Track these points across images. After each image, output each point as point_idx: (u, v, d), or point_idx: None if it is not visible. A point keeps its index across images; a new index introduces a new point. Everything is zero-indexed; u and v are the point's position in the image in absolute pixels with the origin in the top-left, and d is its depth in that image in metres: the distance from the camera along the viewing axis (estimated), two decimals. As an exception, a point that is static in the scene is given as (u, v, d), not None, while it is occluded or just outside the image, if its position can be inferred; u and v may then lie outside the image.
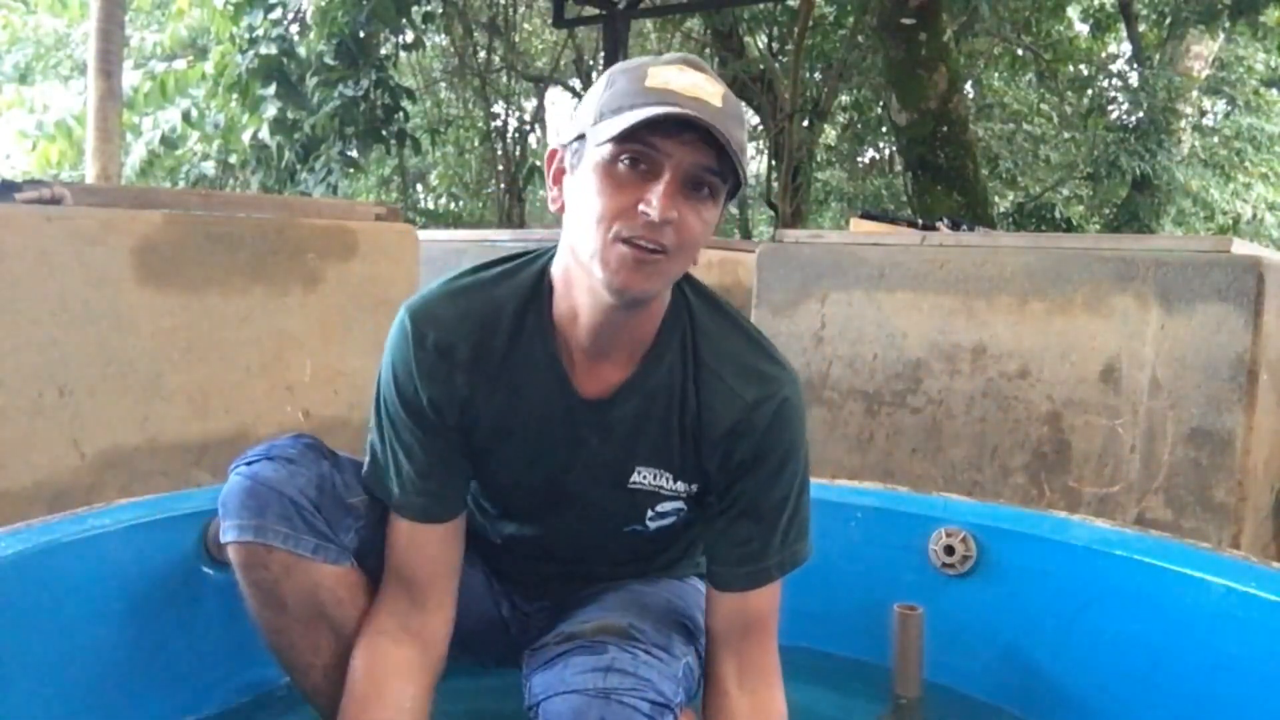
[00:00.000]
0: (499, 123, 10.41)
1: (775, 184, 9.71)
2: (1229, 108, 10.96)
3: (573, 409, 1.19)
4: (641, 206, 1.03)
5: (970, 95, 9.84)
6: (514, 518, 1.32)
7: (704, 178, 1.05)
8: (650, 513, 1.25)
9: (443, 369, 1.17)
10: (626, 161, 1.04)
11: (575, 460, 1.22)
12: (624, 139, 1.02)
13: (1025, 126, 10.29)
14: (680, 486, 1.23)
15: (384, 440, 1.23)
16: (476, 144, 11.00)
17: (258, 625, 1.25)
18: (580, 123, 1.09)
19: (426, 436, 1.19)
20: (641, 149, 1.03)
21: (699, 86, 1.04)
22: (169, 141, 6.48)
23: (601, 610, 1.26)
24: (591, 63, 11.09)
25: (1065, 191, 10.43)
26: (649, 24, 10.40)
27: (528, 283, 1.19)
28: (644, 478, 1.22)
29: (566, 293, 1.15)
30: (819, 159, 10.67)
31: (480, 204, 11.33)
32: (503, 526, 1.34)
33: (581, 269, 1.10)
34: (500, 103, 10.46)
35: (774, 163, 10.10)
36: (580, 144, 1.09)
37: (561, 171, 1.13)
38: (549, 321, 1.18)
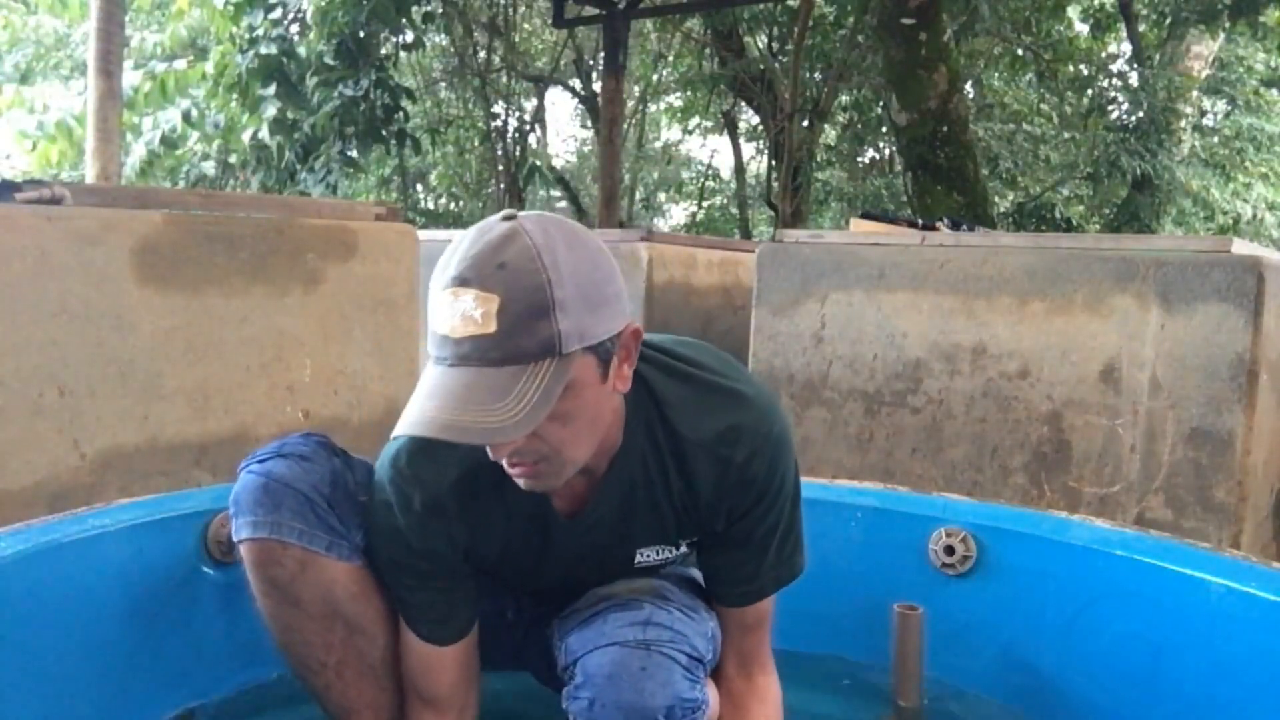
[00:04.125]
0: (499, 123, 10.40)
1: (775, 184, 9.71)
2: (1229, 108, 10.95)
3: (558, 528, 1.21)
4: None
5: (970, 95, 9.84)
6: (528, 594, 1.35)
7: None
8: (662, 569, 1.30)
9: (436, 526, 1.17)
10: None
11: (579, 561, 1.24)
12: None
13: (1025, 126, 10.27)
14: (684, 548, 1.27)
15: (383, 572, 1.24)
16: (476, 144, 10.99)
17: (269, 624, 1.25)
18: None
19: (425, 580, 1.21)
20: None
21: (468, 319, 0.97)
22: (169, 141, 6.48)
23: (627, 580, 1.28)
24: (591, 63, 11.09)
25: (1065, 191, 10.43)
26: (649, 24, 10.40)
27: None
28: (647, 556, 1.26)
29: None
30: (819, 159, 10.66)
31: (480, 204, 11.32)
32: (517, 594, 1.37)
33: None
34: (500, 103, 10.45)
35: (774, 163, 10.10)
36: None
37: None
38: None
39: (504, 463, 1.06)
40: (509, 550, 1.22)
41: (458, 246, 1.00)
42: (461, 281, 0.97)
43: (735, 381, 1.19)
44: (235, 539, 1.23)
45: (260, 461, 1.23)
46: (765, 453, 1.17)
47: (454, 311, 0.97)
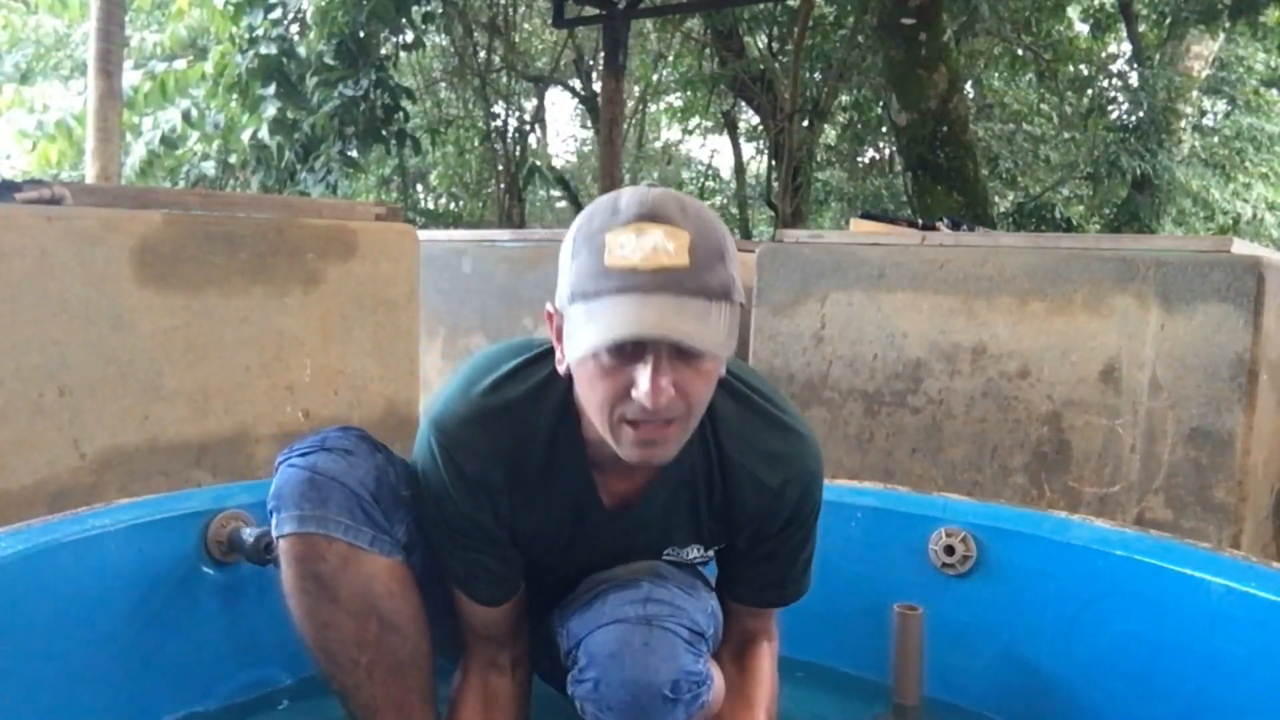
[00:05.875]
0: (499, 123, 10.41)
1: (775, 184, 9.71)
2: (1229, 108, 10.95)
3: (603, 516, 1.22)
4: (634, 392, 1.02)
5: (970, 95, 9.84)
6: (549, 580, 1.36)
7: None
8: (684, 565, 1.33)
9: (483, 496, 1.19)
10: (609, 350, 1.02)
11: (612, 552, 1.26)
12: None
13: (1025, 126, 10.27)
14: (710, 552, 1.30)
15: (435, 540, 1.25)
16: (476, 144, 10.99)
17: (301, 620, 1.24)
18: (560, 293, 1.07)
19: (475, 544, 1.22)
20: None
21: (660, 251, 1.00)
22: (169, 141, 6.46)
23: (625, 564, 1.29)
24: (591, 63, 11.08)
25: (1065, 191, 10.42)
26: (649, 24, 10.40)
27: (556, 403, 1.17)
28: (675, 555, 1.28)
29: (591, 423, 1.14)
30: (819, 159, 10.67)
31: (480, 204, 11.33)
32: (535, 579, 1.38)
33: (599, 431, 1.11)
34: (500, 103, 10.45)
35: (774, 163, 10.10)
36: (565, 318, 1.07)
37: (560, 331, 1.09)
38: (579, 440, 1.18)
39: (626, 425, 1.05)
40: (543, 531, 1.24)
41: (614, 202, 1.04)
42: (648, 218, 1.01)
43: (785, 414, 1.24)
44: (277, 534, 1.22)
45: (302, 455, 1.23)
46: (799, 485, 1.22)
47: (641, 244, 1.00)
